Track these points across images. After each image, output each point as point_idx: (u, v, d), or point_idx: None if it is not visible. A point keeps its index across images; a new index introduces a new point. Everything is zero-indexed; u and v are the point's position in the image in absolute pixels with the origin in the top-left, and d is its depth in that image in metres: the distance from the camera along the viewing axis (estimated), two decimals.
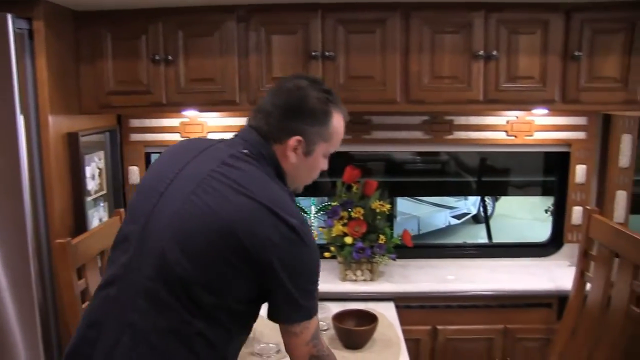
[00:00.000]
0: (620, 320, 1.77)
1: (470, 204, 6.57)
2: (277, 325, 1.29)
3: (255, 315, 1.33)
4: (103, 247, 1.90)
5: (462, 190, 4.88)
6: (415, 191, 4.34)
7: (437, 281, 2.41)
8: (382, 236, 2.33)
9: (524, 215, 6.67)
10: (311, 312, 1.26)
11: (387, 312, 2.15)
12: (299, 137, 1.30)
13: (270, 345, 1.80)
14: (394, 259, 2.40)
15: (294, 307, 1.23)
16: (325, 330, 1.95)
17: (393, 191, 3.13)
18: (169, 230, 1.19)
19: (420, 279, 2.42)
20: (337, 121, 1.35)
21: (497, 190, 4.95)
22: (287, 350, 1.30)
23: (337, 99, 1.36)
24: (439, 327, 2.33)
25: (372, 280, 2.38)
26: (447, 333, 2.33)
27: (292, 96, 1.31)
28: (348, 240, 2.31)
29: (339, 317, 1.92)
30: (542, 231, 2.79)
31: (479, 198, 6.16)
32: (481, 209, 6.34)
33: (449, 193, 5.40)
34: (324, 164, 1.40)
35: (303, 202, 3.87)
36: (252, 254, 1.17)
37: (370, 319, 1.91)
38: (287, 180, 1.35)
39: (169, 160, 1.34)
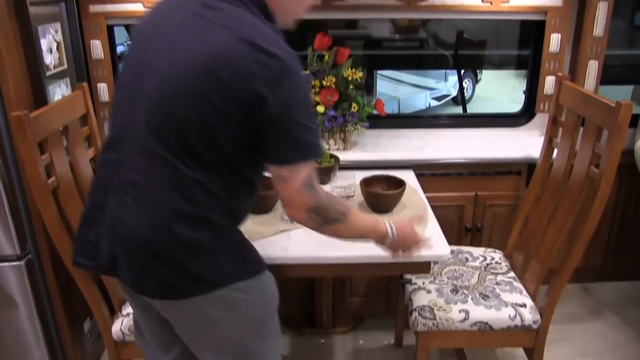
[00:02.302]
0: (579, 181, 1.81)
1: (451, 86, 6.50)
2: None
3: (255, 169, 1.30)
4: (66, 121, 1.85)
5: (439, 64, 4.79)
6: (393, 64, 4.25)
7: (410, 150, 2.42)
8: (354, 104, 2.30)
9: (503, 98, 6.64)
10: (309, 152, 1.21)
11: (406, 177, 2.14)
12: None
13: None
14: (367, 127, 2.39)
15: (293, 145, 1.18)
16: (351, 196, 1.96)
17: (372, 65, 3.05)
18: (155, 82, 1.19)
19: (394, 148, 2.44)
20: None
21: (474, 63, 4.87)
22: (282, 203, 1.29)
23: None
24: None
25: (345, 149, 2.39)
26: None
27: None
28: (320, 109, 2.27)
29: (366, 182, 1.97)
30: None
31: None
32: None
33: (426, 66, 5.31)
34: None
35: None
36: (234, 90, 1.13)
37: (396, 183, 1.96)
38: (276, 18, 1.28)
39: (151, 16, 1.33)
